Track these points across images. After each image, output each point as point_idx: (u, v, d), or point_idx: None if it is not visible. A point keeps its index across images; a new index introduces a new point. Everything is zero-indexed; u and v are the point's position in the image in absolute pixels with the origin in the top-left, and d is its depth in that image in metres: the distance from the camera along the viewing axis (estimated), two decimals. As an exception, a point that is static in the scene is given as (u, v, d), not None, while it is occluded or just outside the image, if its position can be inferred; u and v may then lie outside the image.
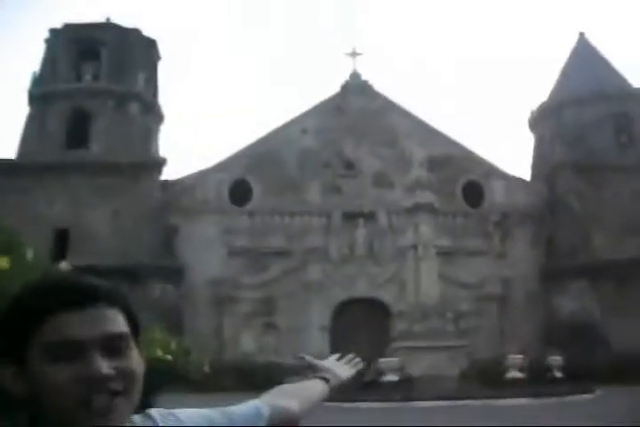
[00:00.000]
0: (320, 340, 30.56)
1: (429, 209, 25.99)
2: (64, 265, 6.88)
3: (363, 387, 22.39)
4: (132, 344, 1.16)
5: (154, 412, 1.25)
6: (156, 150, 35.00)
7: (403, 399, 19.86)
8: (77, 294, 1.11)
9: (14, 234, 6.09)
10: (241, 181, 33.24)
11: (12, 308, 1.12)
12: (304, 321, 30.24)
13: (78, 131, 32.97)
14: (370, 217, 32.78)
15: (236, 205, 32.83)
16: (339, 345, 29.98)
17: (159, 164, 32.85)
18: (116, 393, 1.09)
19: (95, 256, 26.76)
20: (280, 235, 31.96)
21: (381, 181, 33.93)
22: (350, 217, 32.57)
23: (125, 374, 1.11)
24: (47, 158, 31.59)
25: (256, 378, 24.47)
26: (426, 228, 25.79)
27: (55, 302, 1.10)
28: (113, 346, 1.11)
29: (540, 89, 62.48)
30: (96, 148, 32.82)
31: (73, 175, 31.13)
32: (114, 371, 1.09)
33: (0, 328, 1.12)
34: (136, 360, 1.15)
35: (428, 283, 26.67)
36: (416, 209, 25.65)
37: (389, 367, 24.03)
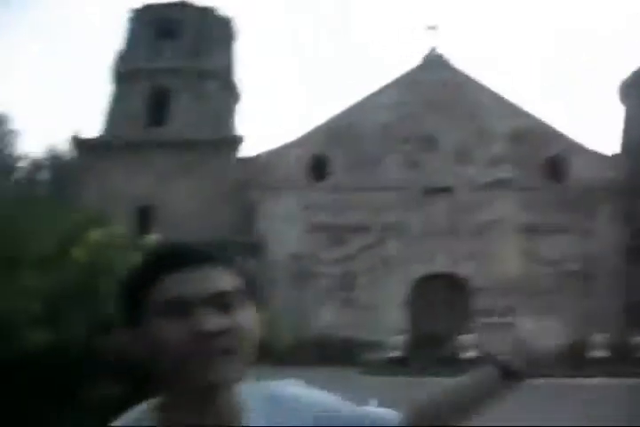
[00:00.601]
0: (399, 316, 30.49)
1: (510, 184, 25.46)
2: (154, 237, 7.04)
3: (442, 362, 22.29)
4: (244, 302, 1.17)
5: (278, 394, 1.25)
6: (235, 127, 35.37)
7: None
8: (186, 256, 1.16)
9: (103, 210, 6.25)
10: (320, 157, 33.24)
11: (130, 275, 1.20)
12: (383, 297, 30.16)
13: (158, 109, 33.58)
14: (449, 192, 32.32)
15: (314, 181, 32.88)
16: (417, 321, 29.91)
17: (238, 140, 33.18)
18: (226, 351, 1.10)
19: (176, 232, 27.32)
20: (359, 210, 31.85)
21: (461, 155, 33.34)
22: (430, 192, 32.19)
23: (235, 332, 1.12)
24: (129, 136, 32.33)
25: (334, 353, 24.64)
26: (506, 203, 25.37)
27: (165, 264, 1.15)
28: (222, 303, 1.13)
29: (631, 59, 59.98)
30: (176, 125, 33.36)
31: (154, 153, 31.77)
32: (222, 328, 1.10)
33: (121, 296, 1.19)
34: (247, 318, 1.15)
35: (508, 259, 26.28)
36: (497, 184, 25.25)
37: (468, 344, 23.84)
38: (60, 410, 6.95)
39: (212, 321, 1.09)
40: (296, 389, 1.28)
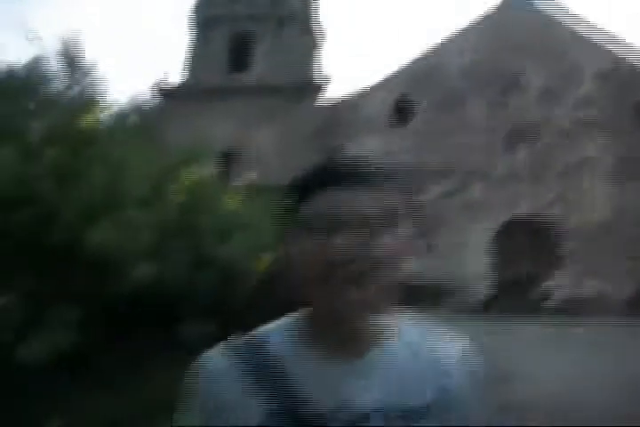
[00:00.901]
0: (483, 261, 30.23)
1: (598, 125, 24.48)
2: (251, 176, 7.14)
3: (527, 308, 22.14)
4: (395, 224, 1.15)
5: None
6: (318, 71, 35.09)
7: (570, 321, 19.45)
8: (338, 175, 1.15)
9: (196, 149, 6.35)
10: (403, 100, 32.74)
11: (296, 183, 1.21)
12: (465, 242, 29.88)
13: (240, 54, 33.57)
14: (535, 134, 31.42)
15: (398, 124, 32.49)
16: (502, 267, 29.60)
17: (320, 84, 32.96)
18: (365, 275, 1.08)
19: (260, 177, 27.60)
20: (442, 153, 31.36)
21: (547, 96, 32.20)
22: (514, 135, 31.38)
23: (375, 255, 1.10)
24: (212, 82, 32.52)
25: (418, 300, 24.74)
26: (594, 146, 24.48)
27: (317, 181, 1.15)
28: (368, 226, 1.11)
29: None
30: (258, 70, 33.35)
31: (237, 98, 31.92)
32: (364, 252, 1.09)
33: (287, 199, 1.21)
34: (393, 242, 1.13)
35: (596, 201, 25.52)
36: (584, 126, 24.33)
37: (557, 286, 23.51)
38: (162, 345, 7.23)
39: (355, 244, 1.08)
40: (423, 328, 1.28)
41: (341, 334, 1.16)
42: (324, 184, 1.14)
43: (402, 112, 32.36)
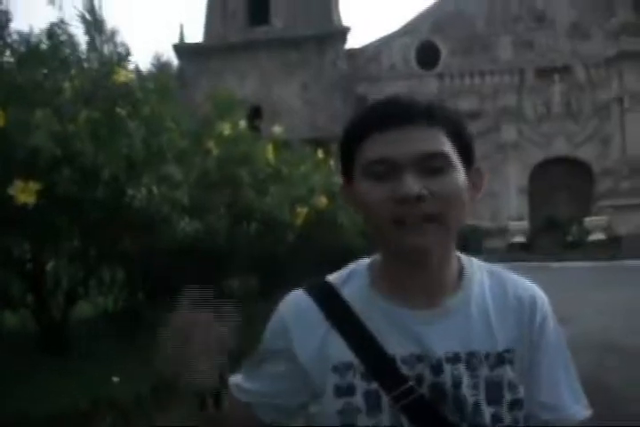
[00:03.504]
0: (518, 202, 30.06)
1: (636, 56, 23.77)
2: (278, 129, 7.12)
3: (566, 247, 22.06)
4: (454, 164, 1.08)
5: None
6: (339, 19, 34.51)
7: (610, 259, 19.34)
8: (395, 113, 1.08)
9: (229, 103, 6.31)
10: (427, 43, 32.18)
11: (345, 129, 1.15)
12: (501, 184, 29.63)
13: (259, 7, 33.12)
14: (566, 71, 30.74)
15: (423, 69, 32.02)
16: (537, 207, 29.42)
17: (342, 33, 32.47)
18: (428, 217, 1.04)
19: (287, 129, 27.52)
20: (471, 96, 30.89)
21: (577, 31, 31.37)
22: (544, 73, 30.74)
23: (440, 197, 1.04)
24: (233, 38, 32.25)
25: (456, 242, 24.71)
26: (632, 77, 23.86)
27: (374, 121, 1.09)
28: (429, 166, 1.05)
29: None
30: (278, 22, 32.93)
31: (259, 53, 31.69)
32: (427, 191, 1.03)
33: (339, 150, 1.17)
34: (455, 184, 1.07)
35: (635, 137, 25.03)
36: (620, 57, 23.68)
37: (595, 226, 23.32)
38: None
39: (416, 185, 1.03)
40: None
41: (418, 280, 1.13)
42: (382, 124, 1.07)
43: (426, 57, 31.84)
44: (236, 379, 1.24)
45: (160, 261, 5.34)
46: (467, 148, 1.12)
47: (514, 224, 27.30)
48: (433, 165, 1.05)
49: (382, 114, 1.09)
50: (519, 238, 26.31)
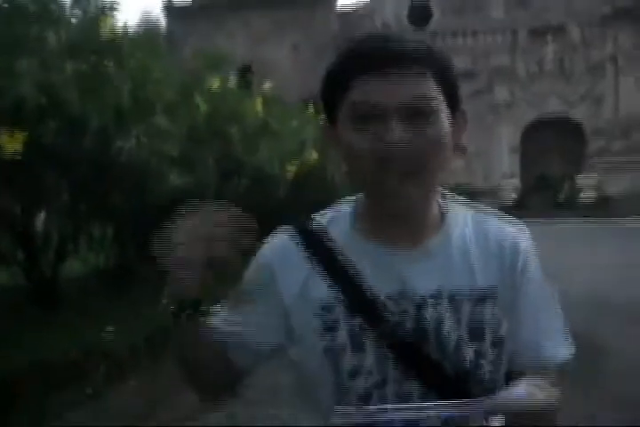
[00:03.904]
0: (510, 161, 30.07)
1: (631, 15, 23.52)
2: (267, 86, 7.08)
3: (558, 205, 22.11)
4: (440, 110, 1.05)
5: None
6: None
7: (601, 217, 19.43)
8: (381, 55, 1.03)
9: (218, 56, 6.25)
10: (420, 3, 31.81)
11: (328, 71, 1.10)
12: (493, 143, 29.61)
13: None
14: (559, 31, 30.46)
15: (415, 29, 31.67)
16: (529, 166, 29.44)
17: (333, -7, 32.08)
18: (411, 163, 1.02)
19: (278, 90, 27.31)
20: (464, 56, 30.57)
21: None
22: (537, 32, 30.46)
23: (424, 145, 1.03)
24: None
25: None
26: (626, 37, 23.65)
27: (360, 65, 1.04)
28: (415, 110, 1.03)
29: None
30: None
31: (249, 13, 31.32)
32: (410, 139, 1.01)
33: (320, 92, 1.12)
34: (440, 131, 1.05)
35: (628, 97, 24.95)
36: (614, 16, 23.45)
37: (586, 185, 23.37)
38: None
39: (400, 132, 1.00)
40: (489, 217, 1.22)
41: (400, 221, 1.12)
42: (359, 68, 1.03)
43: (418, 16, 31.50)
44: (213, 318, 1.19)
45: (150, 216, 5.33)
46: (452, 89, 1.08)
47: (506, 183, 27.35)
48: (419, 110, 1.02)
49: (368, 54, 1.04)
50: (511, 197, 26.37)
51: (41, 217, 5.49)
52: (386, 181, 1.03)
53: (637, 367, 4.82)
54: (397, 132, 1.01)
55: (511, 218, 1.23)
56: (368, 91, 1.03)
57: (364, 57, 1.04)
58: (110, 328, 4.21)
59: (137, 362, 4.21)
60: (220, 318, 1.18)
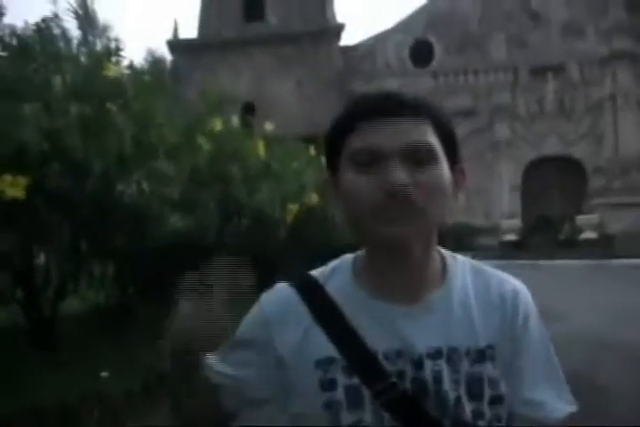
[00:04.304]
0: (511, 200, 30.12)
1: (629, 56, 23.84)
2: (269, 126, 7.12)
3: (559, 245, 22.04)
4: (440, 158, 1.09)
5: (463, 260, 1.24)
6: (333, 16, 34.51)
7: (602, 257, 19.37)
8: (382, 105, 1.09)
9: (221, 100, 6.30)
10: (421, 42, 32.20)
11: (332, 123, 1.15)
12: (493, 181, 29.73)
13: (254, 3, 33.09)
14: (559, 70, 30.81)
15: (417, 67, 32.03)
16: (530, 205, 29.48)
17: (337, 30, 32.51)
18: (411, 207, 1.05)
19: (281, 126, 27.48)
20: (465, 94, 30.94)
21: (571, 29, 31.43)
22: (538, 71, 30.82)
23: (424, 188, 1.06)
24: (227, 34, 32.24)
25: (446, 239, 24.75)
26: (625, 76, 23.93)
27: (360, 112, 1.10)
28: (415, 157, 1.06)
29: None
30: (273, 19, 32.93)
31: (254, 49, 31.70)
32: (412, 181, 1.04)
33: (325, 143, 1.17)
34: (440, 176, 1.08)
35: (628, 135, 25.10)
36: (613, 57, 23.74)
37: (587, 225, 23.38)
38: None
39: (402, 175, 1.03)
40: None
41: (401, 274, 1.13)
42: (370, 113, 1.09)
43: (420, 55, 31.85)
44: (209, 361, 1.23)
45: (151, 257, 5.33)
46: (451, 144, 1.12)
47: (506, 222, 27.36)
48: (419, 157, 1.06)
49: (369, 105, 1.10)
50: (511, 236, 26.35)
51: (41, 256, 5.49)
52: (379, 226, 1.05)
53: (637, 407, 4.78)
54: (398, 173, 1.03)
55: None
56: (369, 135, 1.07)
57: (366, 105, 1.10)
58: (106, 374, 4.18)
59: (132, 408, 4.17)
60: (216, 362, 1.20)
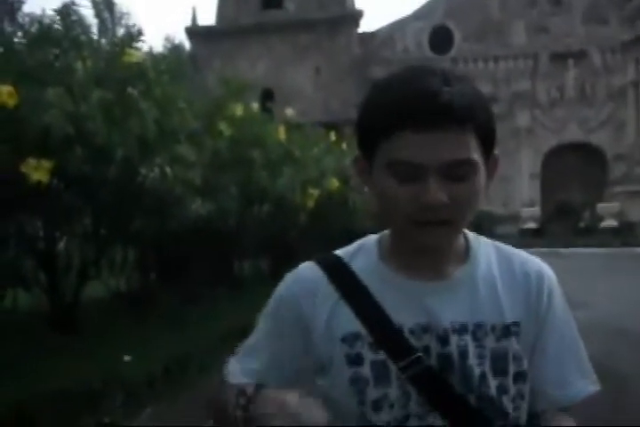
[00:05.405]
0: (530, 188, 29.93)
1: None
2: (290, 112, 7.10)
3: (579, 233, 21.92)
4: (479, 171, 1.05)
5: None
6: (352, 3, 34.29)
7: (623, 245, 19.24)
8: (427, 114, 0.99)
9: (241, 85, 6.29)
10: (441, 28, 31.92)
11: (363, 113, 1.09)
12: (513, 169, 29.49)
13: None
14: (581, 56, 30.45)
15: (437, 54, 31.79)
16: (550, 193, 29.28)
17: (356, 17, 32.27)
18: (445, 221, 1.04)
19: (299, 113, 27.45)
20: (485, 81, 30.58)
21: (593, 15, 31.01)
22: (559, 58, 30.47)
23: (460, 203, 1.04)
24: (245, 21, 32.13)
25: (467, 227, 24.64)
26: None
27: (404, 120, 1.00)
28: (455, 173, 1.02)
29: None
30: (291, 6, 32.76)
31: (272, 36, 31.57)
32: (448, 199, 1.02)
33: (358, 122, 1.10)
34: (477, 189, 1.05)
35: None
36: (636, 42, 23.40)
37: (608, 213, 23.19)
38: (217, 280, 7.38)
39: (440, 192, 1.00)
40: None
41: (428, 255, 1.13)
42: (405, 124, 1.00)
43: (439, 42, 31.61)
44: (234, 366, 1.20)
45: (172, 242, 5.35)
46: (491, 139, 1.07)
47: (526, 210, 27.22)
48: (459, 173, 1.02)
49: (416, 110, 1.00)
50: (531, 224, 26.22)
51: (64, 241, 5.53)
52: (417, 236, 1.06)
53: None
54: (437, 191, 1.01)
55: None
56: (411, 150, 1.01)
57: (407, 111, 1.01)
58: (128, 357, 4.21)
59: (153, 390, 4.20)
60: (245, 360, 1.20)
